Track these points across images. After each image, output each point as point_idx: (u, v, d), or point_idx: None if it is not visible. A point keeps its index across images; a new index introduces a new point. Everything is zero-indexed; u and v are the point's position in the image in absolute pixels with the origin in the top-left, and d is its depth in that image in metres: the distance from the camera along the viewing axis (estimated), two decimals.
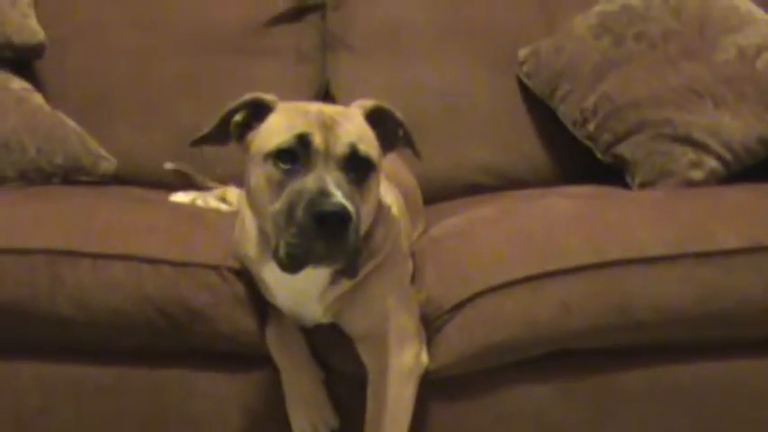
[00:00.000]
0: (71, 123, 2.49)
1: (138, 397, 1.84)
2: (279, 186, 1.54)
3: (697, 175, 2.31)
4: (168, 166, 2.49)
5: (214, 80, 2.67)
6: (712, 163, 2.31)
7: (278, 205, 1.53)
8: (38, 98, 2.50)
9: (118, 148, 2.57)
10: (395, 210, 1.79)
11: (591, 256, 1.79)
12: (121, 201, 2.14)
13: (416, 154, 1.71)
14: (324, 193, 1.48)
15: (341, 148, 1.54)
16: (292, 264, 1.52)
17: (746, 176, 2.32)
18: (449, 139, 2.63)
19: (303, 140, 1.54)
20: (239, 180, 1.79)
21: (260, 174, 1.57)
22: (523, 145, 2.66)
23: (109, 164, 2.51)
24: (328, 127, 1.56)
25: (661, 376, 1.85)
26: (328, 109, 1.63)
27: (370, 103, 1.68)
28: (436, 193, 2.50)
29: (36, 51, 2.57)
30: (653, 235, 1.83)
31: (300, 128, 1.55)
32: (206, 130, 1.65)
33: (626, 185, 2.41)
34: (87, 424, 1.85)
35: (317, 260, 1.52)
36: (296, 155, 1.54)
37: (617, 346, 1.84)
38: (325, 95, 2.71)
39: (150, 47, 2.70)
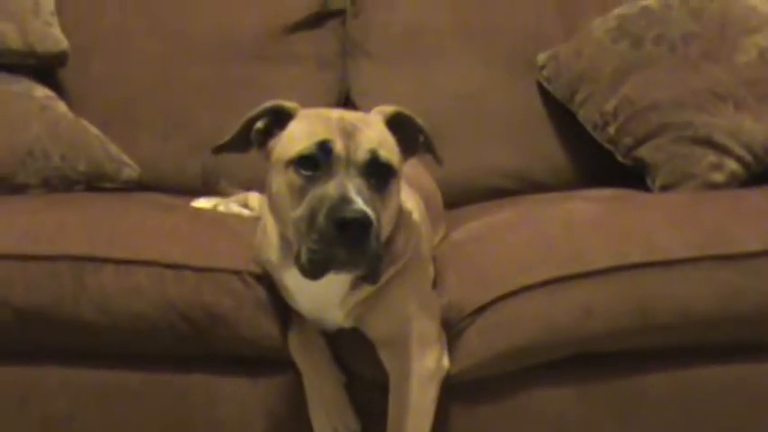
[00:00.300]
0: (94, 130, 2.51)
1: (163, 401, 1.85)
2: (300, 193, 1.55)
3: (718, 177, 2.30)
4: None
5: (235, 87, 2.68)
6: (733, 165, 2.31)
7: (299, 211, 1.54)
8: (61, 106, 2.52)
9: (140, 154, 2.58)
10: (416, 215, 1.80)
11: (611, 259, 1.79)
12: (144, 207, 2.16)
13: (437, 160, 1.71)
14: (345, 200, 1.49)
15: (362, 154, 1.55)
16: (314, 270, 1.53)
17: (766, 179, 2.31)
18: (469, 143, 2.63)
19: (324, 147, 1.55)
20: (261, 186, 1.80)
21: (281, 180, 1.58)
22: (544, 148, 2.66)
23: (132, 170, 2.53)
24: (349, 133, 1.57)
25: (683, 379, 1.85)
26: (349, 115, 1.64)
27: (390, 108, 1.69)
28: (457, 197, 2.50)
29: (59, 59, 2.59)
30: (674, 238, 1.83)
31: (321, 135, 1.56)
32: (228, 137, 1.66)
33: (647, 188, 2.41)
34: (113, 428, 1.86)
35: (339, 266, 1.53)
36: (317, 162, 1.55)
37: (638, 349, 1.84)
38: (346, 102, 2.73)
39: (172, 54, 2.72)
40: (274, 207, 1.63)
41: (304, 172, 1.55)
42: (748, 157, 2.31)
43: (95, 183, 2.47)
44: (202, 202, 2.36)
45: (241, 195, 2.41)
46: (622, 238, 1.84)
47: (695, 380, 1.85)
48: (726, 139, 2.32)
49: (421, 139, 1.70)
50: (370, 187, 1.54)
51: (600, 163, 2.58)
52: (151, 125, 2.66)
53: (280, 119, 1.65)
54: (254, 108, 1.67)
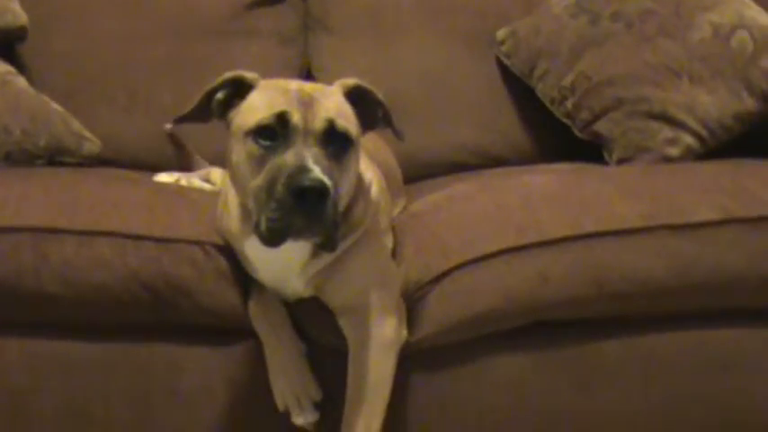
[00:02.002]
0: (55, 106, 2.50)
1: (125, 372, 1.85)
2: (259, 162, 1.57)
3: (673, 151, 2.34)
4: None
5: (196, 63, 2.68)
6: (688, 139, 2.34)
7: (259, 181, 1.56)
8: (21, 81, 2.51)
9: (101, 130, 2.58)
10: (375, 186, 1.82)
11: (567, 228, 1.82)
12: (105, 180, 2.16)
13: (396, 134, 1.73)
14: (302, 169, 1.50)
15: (319, 123, 1.57)
16: (272, 237, 1.55)
17: (722, 153, 2.34)
18: (429, 119, 2.65)
19: (282, 118, 1.56)
20: (223, 161, 1.82)
21: (241, 150, 1.60)
22: (503, 124, 2.69)
23: (93, 145, 2.53)
24: (307, 104, 1.58)
25: (638, 346, 1.87)
26: (308, 86, 1.66)
27: (350, 81, 1.70)
28: (417, 172, 2.53)
29: (18, 35, 2.58)
30: (628, 208, 1.85)
31: (280, 106, 1.58)
32: (189, 107, 1.68)
33: (604, 163, 2.44)
34: (75, 400, 1.86)
35: (297, 234, 1.55)
36: (275, 132, 1.57)
37: (594, 318, 1.86)
38: (307, 77, 2.72)
39: (133, 30, 2.72)
40: (234, 177, 1.64)
41: (263, 142, 1.57)
42: (703, 132, 2.35)
43: (57, 157, 2.47)
44: (164, 177, 2.36)
45: (203, 170, 2.43)
46: (578, 209, 1.87)
47: (650, 347, 1.87)
48: (681, 114, 2.35)
49: (380, 113, 1.72)
50: (327, 156, 1.56)
51: (558, 138, 2.62)
52: (112, 100, 2.66)
53: (240, 90, 1.67)
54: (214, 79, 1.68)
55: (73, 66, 2.68)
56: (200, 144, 2.59)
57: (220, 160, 2.35)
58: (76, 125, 2.51)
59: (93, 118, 2.59)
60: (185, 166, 2.55)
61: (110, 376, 1.86)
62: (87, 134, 2.53)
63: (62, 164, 2.48)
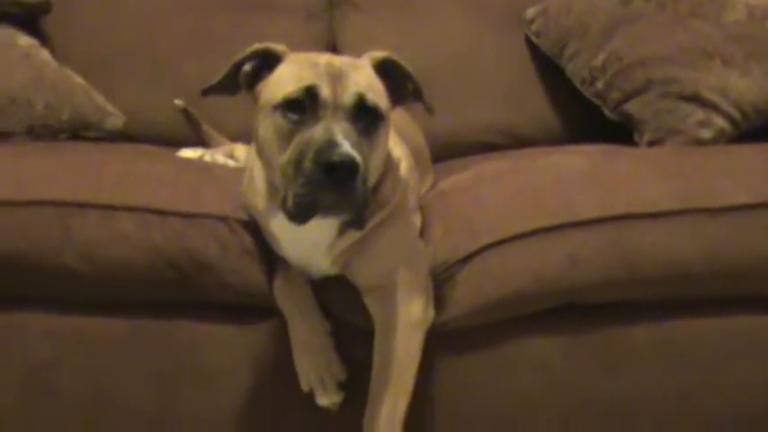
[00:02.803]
0: (78, 79, 2.49)
1: (148, 349, 1.85)
2: (287, 137, 1.55)
3: (705, 134, 2.30)
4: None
5: (221, 37, 2.65)
6: (721, 122, 2.31)
7: (286, 156, 1.53)
8: (45, 54, 2.49)
9: (125, 105, 2.56)
10: (404, 163, 1.80)
11: (598, 210, 1.79)
12: (129, 154, 2.12)
13: (427, 108, 1.71)
14: (331, 144, 1.48)
15: (348, 97, 1.54)
16: (300, 214, 1.53)
17: (755, 137, 2.30)
18: (457, 98, 2.62)
19: (311, 92, 1.54)
20: (247, 137, 1.79)
21: (268, 124, 1.58)
22: (532, 104, 2.67)
23: (116, 119, 2.51)
24: (336, 78, 1.56)
25: (667, 331, 1.85)
26: (337, 60, 1.63)
27: (380, 54, 1.68)
28: (445, 151, 2.50)
29: (43, 8, 2.57)
30: (660, 190, 1.83)
31: (309, 79, 1.55)
32: (216, 79, 1.66)
33: (634, 144, 2.40)
34: (97, 376, 1.86)
35: (325, 211, 1.53)
36: (304, 106, 1.54)
37: (623, 301, 1.84)
38: (333, 53, 2.70)
39: (158, 3, 2.71)
40: (261, 151, 1.62)
41: (291, 116, 1.55)
42: (736, 114, 2.31)
43: (80, 131, 2.45)
44: (188, 152, 2.35)
45: (227, 146, 2.40)
46: (609, 190, 1.84)
47: (681, 332, 1.85)
48: (713, 96, 2.31)
49: (410, 86, 1.69)
50: (357, 131, 1.54)
51: (588, 118, 2.59)
52: (136, 75, 2.64)
53: (268, 62, 1.65)
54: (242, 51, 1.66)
55: (97, 39, 2.67)
56: (220, 120, 2.56)
57: (239, 137, 2.36)
58: (100, 99, 2.50)
59: (117, 92, 2.58)
60: (201, 141, 2.52)
61: (132, 353, 1.86)
62: (111, 108, 2.51)
63: (85, 138, 2.46)
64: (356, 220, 1.57)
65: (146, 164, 1.99)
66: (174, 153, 2.33)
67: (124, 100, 2.57)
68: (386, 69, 1.66)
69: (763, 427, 1.87)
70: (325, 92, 1.54)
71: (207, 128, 2.52)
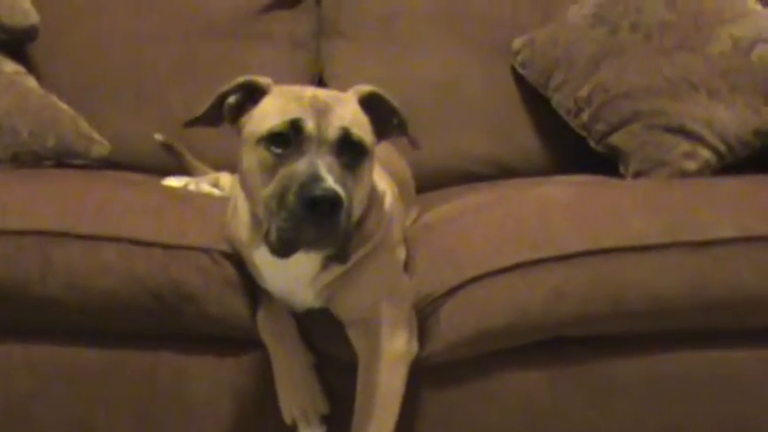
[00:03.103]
0: (63, 106, 2.49)
1: (130, 380, 1.84)
2: (271, 170, 1.54)
3: (691, 165, 2.30)
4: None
5: (208, 66, 2.67)
6: (706, 154, 2.31)
7: (270, 189, 1.53)
8: (30, 81, 2.49)
9: (110, 132, 2.56)
10: (388, 196, 1.79)
11: (584, 243, 1.79)
12: (113, 183, 2.12)
13: (412, 142, 1.70)
14: (315, 178, 1.47)
15: (333, 132, 1.54)
16: (283, 248, 1.52)
17: (740, 169, 2.31)
18: (443, 129, 2.63)
19: (295, 126, 1.53)
20: (227, 166, 1.78)
21: (252, 157, 1.57)
22: (518, 134, 2.67)
23: (101, 147, 2.51)
24: (321, 112, 1.55)
25: (652, 365, 1.85)
26: (322, 93, 1.63)
27: (365, 88, 1.67)
28: (430, 182, 2.50)
29: (29, 34, 2.56)
30: (646, 223, 1.83)
31: (293, 113, 1.55)
32: (200, 111, 1.65)
33: (620, 176, 2.41)
34: (78, 407, 1.84)
35: (308, 245, 1.52)
36: (288, 139, 1.54)
37: (609, 334, 1.84)
38: (319, 83, 2.70)
39: (144, 31, 2.71)
40: (245, 184, 1.61)
41: (275, 149, 1.54)
42: (721, 147, 2.31)
43: (65, 159, 2.45)
44: (172, 181, 2.34)
45: (212, 175, 2.40)
46: (595, 223, 1.84)
47: (666, 366, 1.85)
48: (699, 128, 2.32)
49: (395, 120, 1.69)
50: (341, 166, 1.53)
51: (573, 150, 2.59)
52: (122, 103, 2.64)
53: (252, 94, 1.64)
54: (227, 83, 1.65)
55: (83, 66, 2.67)
56: (201, 149, 2.56)
57: (220, 166, 2.36)
58: (85, 127, 2.49)
59: (102, 119, 2.57)
60: (185, 171, 2.52)
61: (114, 383, 1.85)
62: (96, 136, 2.51)
63: (70, 166, 2.46)
64: (340, 254, 1.56)
65: (129, 193, 1.98)
66: (157, 182, 2.33)
67: (109, 127, 2.57)
68: (371, 103, 1.66)
69: None
70: (309, 126, 1.53)
71: (190, 157, 2.52)
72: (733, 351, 1.87)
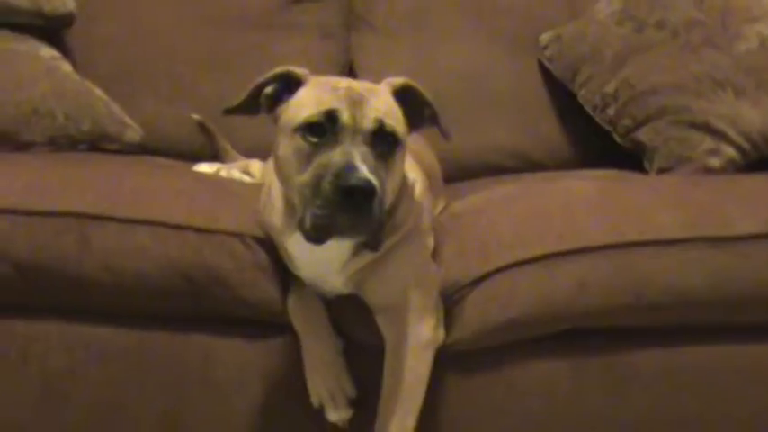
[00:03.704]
0: (98, 92, 2.52)
1: (160, 361, 1.86)
2: (307, 158, 1.57)
3: (714, 162, 2.32)
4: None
5: (239, 55, 2.70)
6: (730, 151, 2.33)
7: (305, 177, 1.56)
8: (66, 66, 2.53)
9: (143, 118, 2.60)
10: (418, 186, 1.82)
11: (607, 236, 1.81)
12: (147, 168, 2.17)
13: (443, 133, 1.73)
14: (350, 167, 1.51)
15: (368, 123, 1.57)
16: (317, 235, 1.55)
17: (764, 166, 2.33)
18: (470, 121, 2.65)
19: (331, 116, 1.57)
20: (263, 153, 1.81)
21: (288, 145, 1.60)
22: (544, 128, 2.70)
23: (134, 132, 2.55)
24: (356, 103, 1.59)
25: (673, 358, 1.86)
26: (358, 85, 1.66)
27: (398, 80, 1.71)
28: (457, 173, 2.53)
29: (66, 20, 2.61)
30: (669, 218, 1.84)
31: (329, 104, 1.58)
32: (238, 100, 1.69)
33: (644, 171, 2.43)
34: (112, 385, 1.87)
35: (342, 232, 1.55)
36: (324, 129, 1.57)
37: (631, 327, 1.85)
38: (349, 74, 2.73)
39: (178, 20, 2.75)
40: (280, 171, 1.65)
41: (311, 138, 1.57)
42: (745, 144, 2.33)
43: (99, 143, 2.49)
44: (204, 167, 2.37)
45: (243, 162, 2.43)
46: (619, 217, 1.86)
47: (685, 358, 1.87)
48: (724, 126, 2.34)
49: (427, 112, 1.72)
50: (375, 156, 1.56)
51: (598, 144, 2.61)
52: (155, 90, 2.68)
53: (289, 85, 1.67)
54: (259, 75, 1.68)
55: (118, 53, 2.71)
56: (234, 135, 2.60)
57: (252, 152, 2.39)
58: (119, 112, 2.53)
59: (136, 105, 2.61)
60: (217, 156, 2.56)
61: (145, 364, 1.87)
62: (129, 121, 2.55)
63: (104, 150, 2.50)
64: (372, 241, 1.59)
65: (163, 178, 2.01)
66: (190, 167, 2.36)
67: (142, 113, 2.61)
68: (404, 95, 1.69)
69: None
70: (345, 116, 1.56)
71: (223, 142, 2.56)
72: (752, 345, 1.88)
